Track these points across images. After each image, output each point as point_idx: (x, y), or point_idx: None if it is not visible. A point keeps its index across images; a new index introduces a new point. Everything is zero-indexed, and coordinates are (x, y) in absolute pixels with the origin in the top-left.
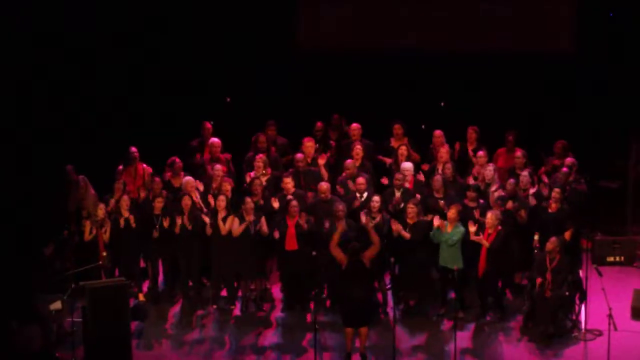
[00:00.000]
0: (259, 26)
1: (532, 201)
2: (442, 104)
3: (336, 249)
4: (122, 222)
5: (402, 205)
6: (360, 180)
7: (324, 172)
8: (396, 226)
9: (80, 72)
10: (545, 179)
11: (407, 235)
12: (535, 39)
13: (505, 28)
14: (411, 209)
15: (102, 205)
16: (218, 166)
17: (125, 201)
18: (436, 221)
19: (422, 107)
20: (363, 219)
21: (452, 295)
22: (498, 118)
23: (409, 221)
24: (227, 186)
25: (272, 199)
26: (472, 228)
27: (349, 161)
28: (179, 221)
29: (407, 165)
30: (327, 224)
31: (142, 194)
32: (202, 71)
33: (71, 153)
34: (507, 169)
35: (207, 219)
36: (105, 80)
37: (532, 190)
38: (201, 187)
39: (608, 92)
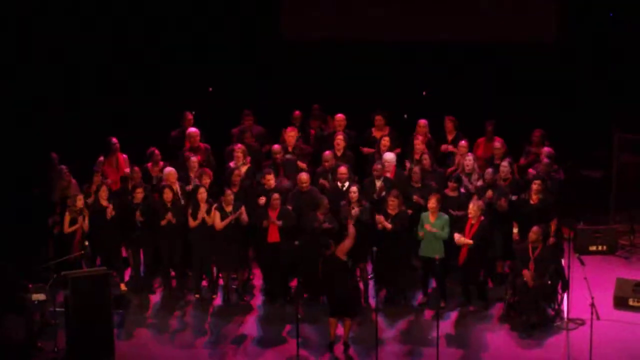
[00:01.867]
0: (241, 15)
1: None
2: (424, 93)
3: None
4: (107, 212)
5: (383, 194)
6: (342, 170)
7: (301, 163)
8: (379, 217)
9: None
10: (532, 171)
11: (388, 225)
12: (517, 29)
13: (488, 18)
14: (392, 201)
15: (80, 196)
16: (193, 158)
17: (104, 191)
18: (427, 227)
19: (404, 97)
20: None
21: (433, 284)
22: (480, 108)
23: (390, 212)
24: (206, 178)
25: (260, 198)
26: (457, 237)
27: (327, 153)
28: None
29: (389, 156)
30: (318, 222)
31: (125, 185)
32: (183, 61)
33: (49, 142)
34: (486, 159)
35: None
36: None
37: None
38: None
39: (591, 81)
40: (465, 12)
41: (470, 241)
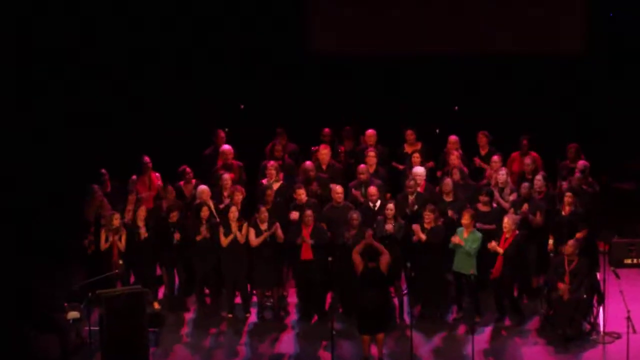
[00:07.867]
0: (269, 30)
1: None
2: (456, 108)
3: (357, 256)
4: (140, 232)
5: (415, 207)
6: (372, 190)
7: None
8: (415, 226)
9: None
10: (560, 183)
11: (423, 236)
12: (544, 41)
13: (514, 30)
14: (428, 215)
15: (117, 215)
16: (226, 175)
17: (142, 212)
18: (454, 239)
19: (436, 112)
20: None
21: (467, 300)
22: (510, 121)
23: (426, 226)
24: (239, 195)
25: (292, 212)
26: (492, 245)
27: (362, 166)
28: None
29: (419, 171)
30: (347, 235)
31: (159, 203)
32: (213, 77)
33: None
34: (520, 174)
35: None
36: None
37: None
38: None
39: (620, 93)
40: (492, 24)
41: (501, 250)
